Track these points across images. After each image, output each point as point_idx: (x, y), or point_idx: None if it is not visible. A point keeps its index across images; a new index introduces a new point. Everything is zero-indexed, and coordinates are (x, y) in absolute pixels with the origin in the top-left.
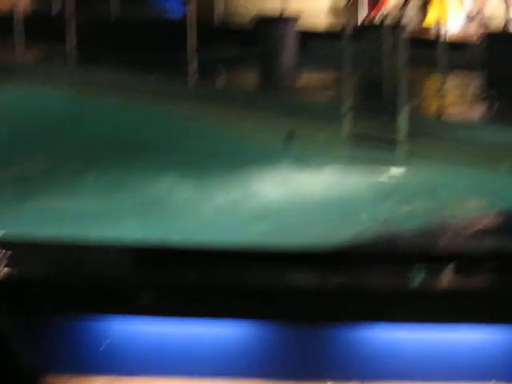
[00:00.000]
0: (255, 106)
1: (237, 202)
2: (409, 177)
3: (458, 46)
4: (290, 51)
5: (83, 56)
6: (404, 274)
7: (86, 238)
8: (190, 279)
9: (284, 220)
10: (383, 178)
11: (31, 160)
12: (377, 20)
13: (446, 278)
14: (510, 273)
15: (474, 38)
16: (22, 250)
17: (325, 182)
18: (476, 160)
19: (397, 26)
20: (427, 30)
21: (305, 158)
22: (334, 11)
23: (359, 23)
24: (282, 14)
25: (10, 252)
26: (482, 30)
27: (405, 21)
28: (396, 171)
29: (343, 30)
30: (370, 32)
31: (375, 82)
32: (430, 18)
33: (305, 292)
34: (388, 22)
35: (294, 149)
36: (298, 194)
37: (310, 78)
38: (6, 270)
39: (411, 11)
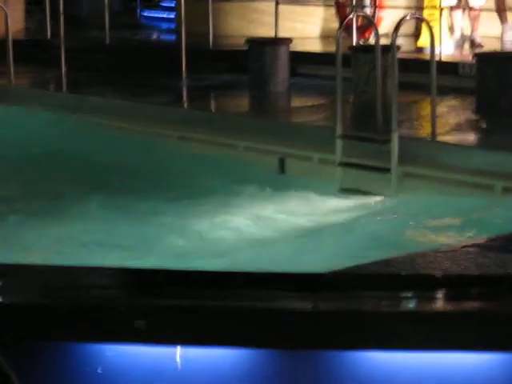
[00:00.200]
0: (247, 130)
1: (227, 227)
2: (401, 201)
3: (450, 69)
4: (282, 75)
5: (76, 80)
6: (397, 300)
7: (77, 263)
8: (183, 304)
9: (275, 245)
10: (375, 203)
11: (15, 182)
12: (368, 43)
13: (440, 303)
14: (504, 298)
15: (466, 61)
16: (11, 275)
17: (316, 207)
18: (468, 184)
19: (389, 49)
20: (419, 53)
21: (296, 183)
22: (326, 35)
23: (351, 47)
24: (274, 38)
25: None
26: (473, 53)
27: (397, 44)
28: (388, 196)
29: (335, 53)
30: (361, 55)
31: (367, 105)
32: (422, 42)
33: (298, 317)
34: (380, 45)
35: (285, 174)
36: (289, 219)
37: (301, 101)
38: None
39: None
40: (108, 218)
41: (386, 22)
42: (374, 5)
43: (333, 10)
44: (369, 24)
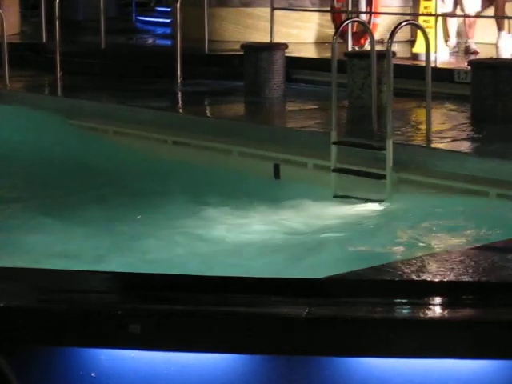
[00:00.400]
0: (242, 136)
1: (221, 233)
2: (396, 207)
3: (445, 76)
4: (277, 80)
5: (71, 84)
6: (392, 306)
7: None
8: (178, 310)
9: (269, 251)
10: (370, 209)
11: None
12: (364, 49)
13: (433, 309)
14: (497, 305)
15: (462, 68)
16: (6, 279)
17: (311, 212)
18: (463, 190)
19: (384, 55)
20: (415, 59)
21: (291, 189)
22: (322, 41)
23: (346, 53)
24: (269, 43)
25: None
26: (468, 60)
27: (392, 50)
28: (383, 202)
29: (331, 59)
30: (357, 61)
31: (363, 111)
32: (418, 48)
33: (293, 323)
34: (375, 51)
35: (280, 179)
36: (284, 225)
37: (296, 107)
38: None
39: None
40: (98, 226)
41: (382, 28)
42: (370, 11)
43: (328, 16)
44: (364, 30)
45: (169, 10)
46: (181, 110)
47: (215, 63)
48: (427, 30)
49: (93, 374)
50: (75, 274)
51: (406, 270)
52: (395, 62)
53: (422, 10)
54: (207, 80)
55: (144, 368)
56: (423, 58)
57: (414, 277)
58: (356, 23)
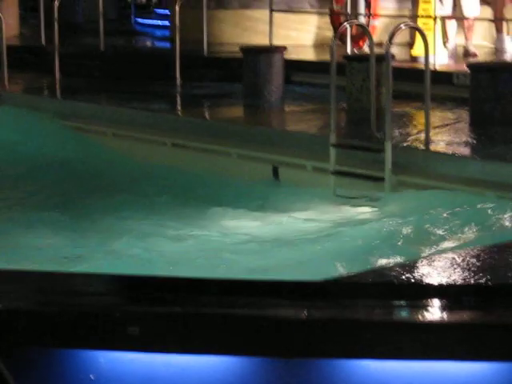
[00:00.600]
0: (240, 138)
1: (219, 235)
2: (395, 209)
3: (444, 79)
4: (276, 82)
5: (70, 86)
6: (391, 308)
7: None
8: (177, 312)
9: (268, 253)
10: (369, 211)
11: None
12: (363, 52)
13: (433, 312)
14: (497, 307)
15: (461, 71)
16: (3, 281)
17: (310, 215)
18: (462, 193)
19: (383, 58)
20: (413, 62)
21: (290, 191)
22: (321, 43)
23: (345, 55)
24: (268, 46)
25: None
26: (467, 63)
27: (391, 53)
28: (381, 204)
29: (329, 61)
30: (356, 64)
31: (361, 114)
32: (416, 51)
33: (293, 325)
34: (374, 54)
35: (279, 182)
36: (283, 227)
37: (295, 109)
38: None
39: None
40: (98, 227)
41: (380, 30)
42: (369, 13)
43: (327, 19)
44: (363, 33)
45: (168, 12)
46: (180, 113)
47: (214, 65)
48: (426, 32)
49: (92, 377)
50: (73, 275)
51: (404, 273)
52: (394, 65)
53: (420, 12)
54: (206, 82)
55: (143, 370)
56: (422, 60)
57: (413, 279)
58: (355, 26)
